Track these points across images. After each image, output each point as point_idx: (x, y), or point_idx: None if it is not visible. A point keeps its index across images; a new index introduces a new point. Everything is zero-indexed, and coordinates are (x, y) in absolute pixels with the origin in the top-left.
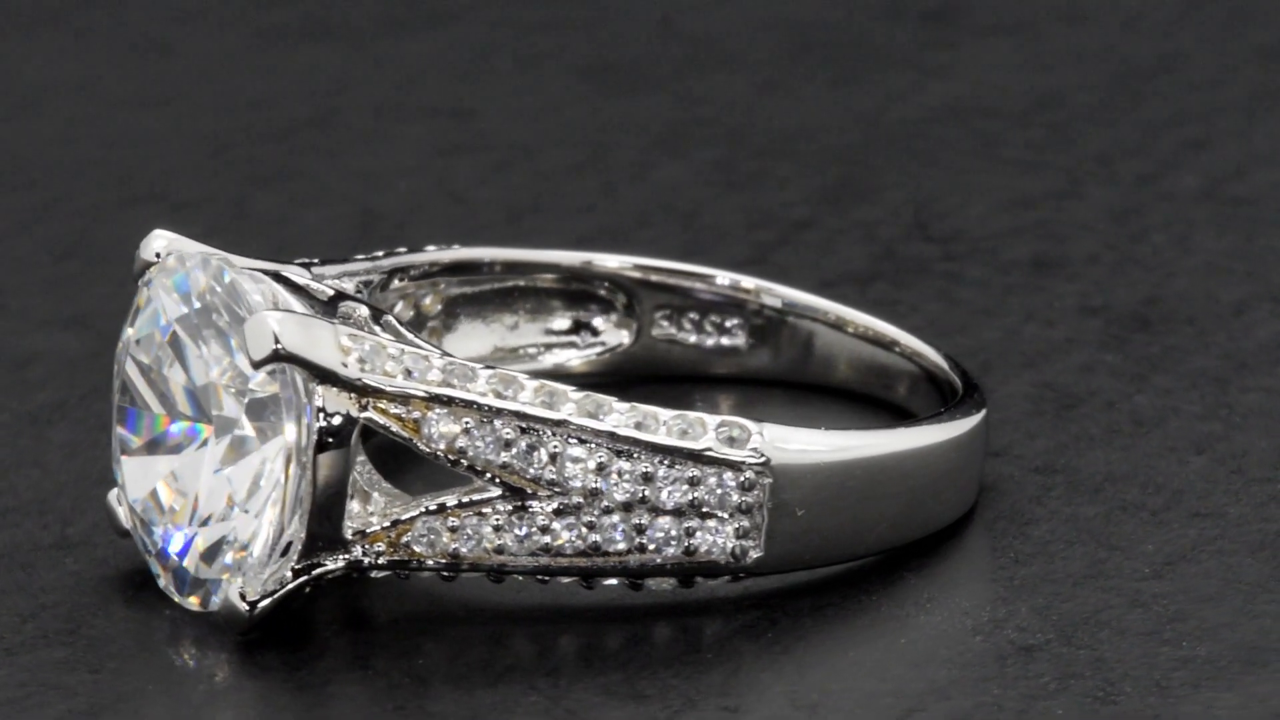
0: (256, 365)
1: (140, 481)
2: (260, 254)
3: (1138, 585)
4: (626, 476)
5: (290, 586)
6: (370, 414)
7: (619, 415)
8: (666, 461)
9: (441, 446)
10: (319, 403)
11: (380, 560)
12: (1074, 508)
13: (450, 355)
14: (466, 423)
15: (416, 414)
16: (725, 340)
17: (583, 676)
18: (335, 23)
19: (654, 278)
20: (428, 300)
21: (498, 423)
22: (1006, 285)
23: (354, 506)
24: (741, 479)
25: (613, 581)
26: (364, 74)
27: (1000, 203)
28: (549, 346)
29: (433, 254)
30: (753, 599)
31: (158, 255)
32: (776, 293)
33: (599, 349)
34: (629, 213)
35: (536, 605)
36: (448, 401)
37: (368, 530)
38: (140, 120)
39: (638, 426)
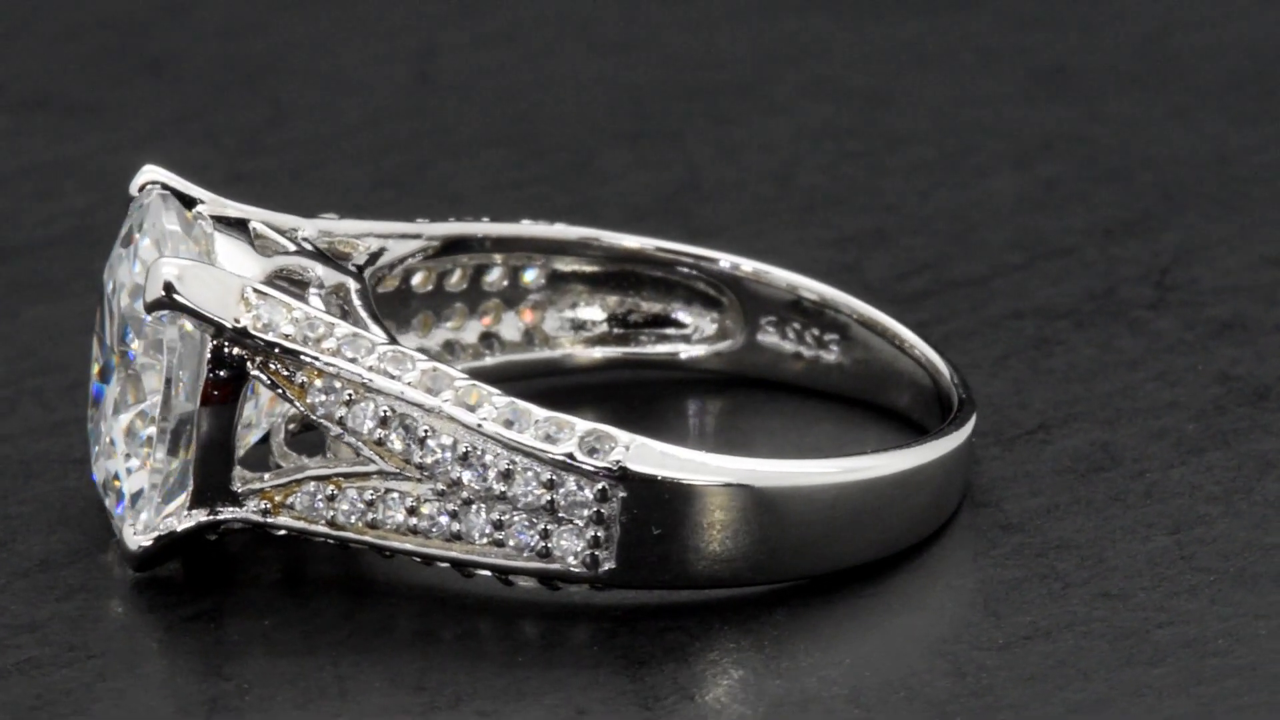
0: (148, 309)
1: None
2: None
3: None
4: (488, 470)
5: (179, 529)
6: (258, 372)
7: (492, 409)
8: (526, 462)
9: (323, 414)
10: (208, 355)
11: (269, 519)
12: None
13: (361, 330)
14: (349, 395)
15: (303, 379)
16: (823, 354)
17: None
18: None
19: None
20: (530, 275)
21: (379, 399)
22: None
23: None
24: (597, 489)
25: (486, 573)
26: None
27: None
28: (662, 337)
29: (502, 227)
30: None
31: (140, 189)
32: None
33: (709, 346)
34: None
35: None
36: (334, 372)
37: (256, 488)
38: None
39: (507, 423)
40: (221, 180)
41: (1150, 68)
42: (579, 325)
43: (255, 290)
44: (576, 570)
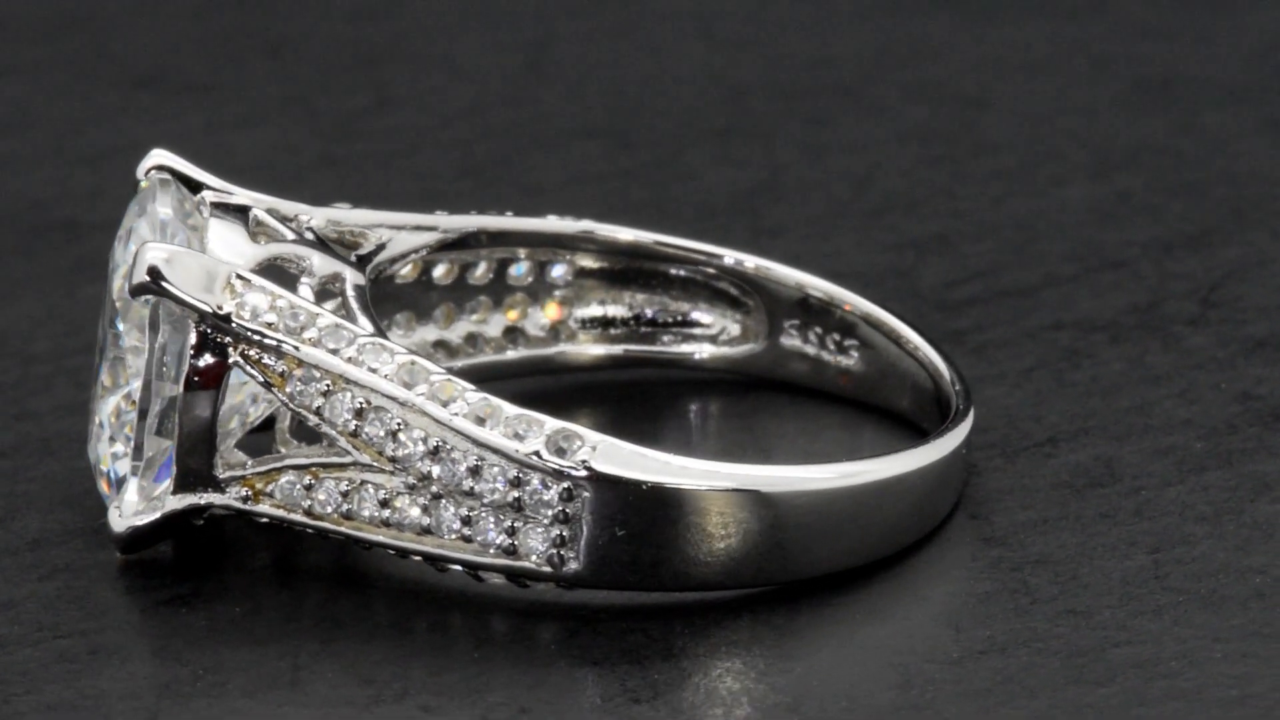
0: (133, 293)
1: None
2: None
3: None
4: (457, 466)
5: (161, 514)
6: (240, 360)
7: (464, 405)
8: (494, 458)
9: (301, 404)
10: (192, 340)
11: (250, 506)
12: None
13: (344, 322)
14: (326, 386)
15: (283, 368)
16: (842, 359)
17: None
18: None
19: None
20: (558, 270)
21: (355, 391)
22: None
23: (239, 453)
24: (561, 488)
25: (457, 568)
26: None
27: None
28: (687, 336)
29: (515, 221)
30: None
31: (147, 173)
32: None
33: (732, 347)
34: None
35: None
36: (312, 362)
37: (238, 475)
38: None
39: (478, 420)
40: (311, 164)
41: (1255, 81)
42: (606, 322)
43: (241, 278)
44: (542, 569)
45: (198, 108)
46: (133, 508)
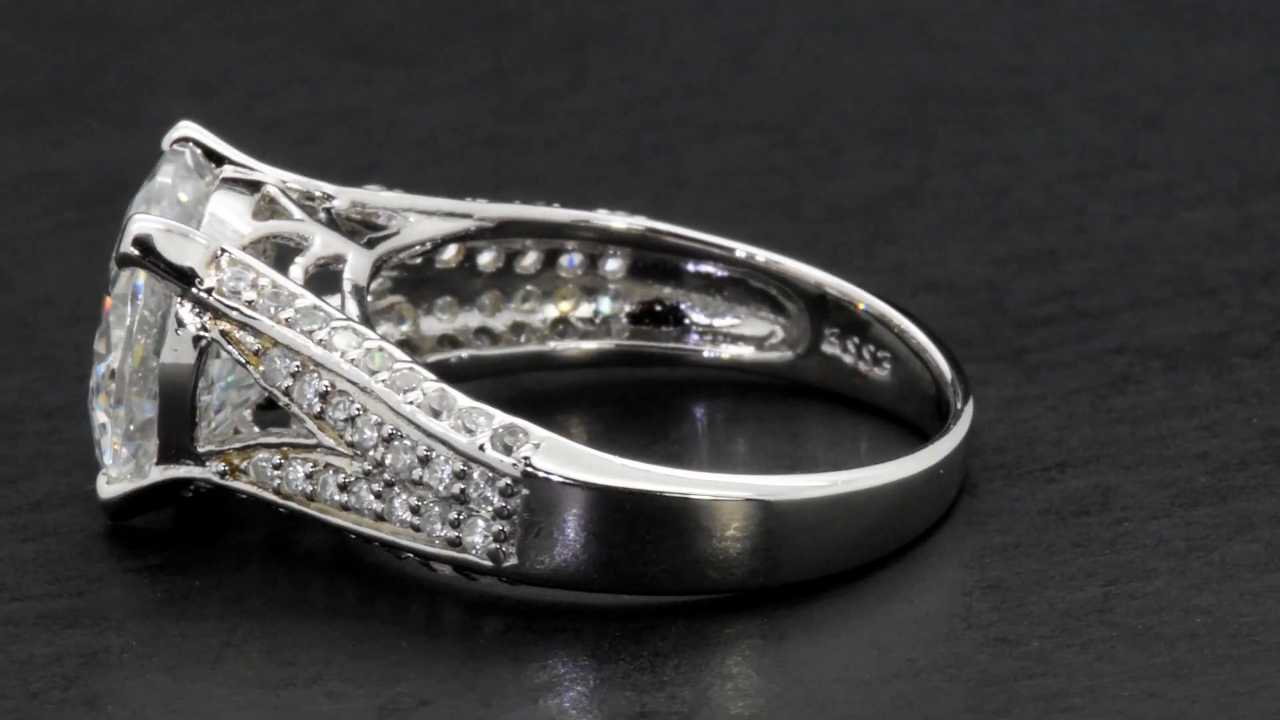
0: (118, 263)
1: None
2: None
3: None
4: (408, 455)
5: (144, 484)
6: (218, 336)
7: (419, 395)
8: (443, 450)
9: (272, 383)
10: (174, 313)
11: (227, 481)
12: None
13: (324, 304)
14: (296, 367)
15: (258, 346)
16: (876, 370)
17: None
18: None
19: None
20: (610, 264)
21: (322, 374)
22: None
23: (222, 428)
24: (502, 484)
25: (411, 556)
26: None
27: None
28: (735, 338)
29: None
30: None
31: (173, 144)
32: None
33: (775, 353)
34: None
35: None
36: (285, 342)
37: (217, 450)
38: None
39: (431, 410)
40: (476, 143)
41: None
42: (659, 319)
43: (228, 254)
44: (484, 563)
45: (395, 79)
46: (118, 476)
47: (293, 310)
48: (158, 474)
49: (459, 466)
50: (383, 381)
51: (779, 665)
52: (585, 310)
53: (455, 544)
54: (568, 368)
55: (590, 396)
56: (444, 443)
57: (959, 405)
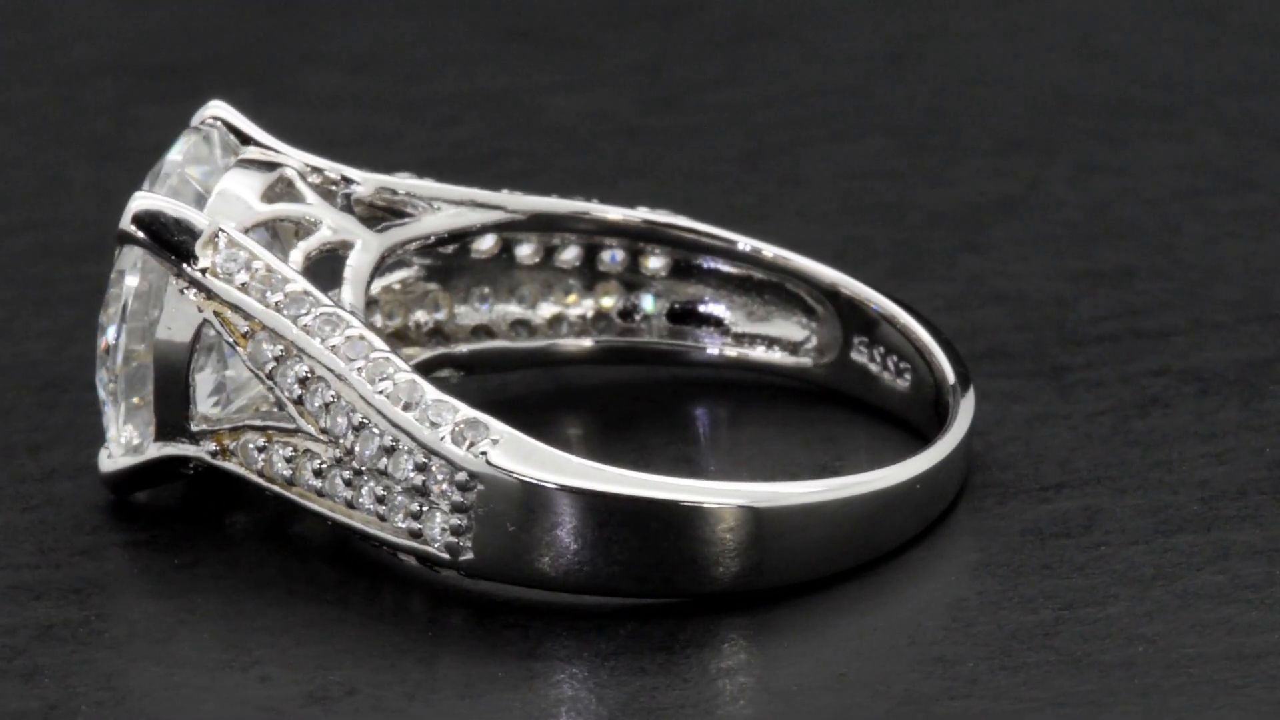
0: (117, 240)
1: None
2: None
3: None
4: (374, 444)
5: (142, 460)
6: (211, 316)
7: (390, 385)
8: (407, 441)
9: (257, 366)
10: (168, 292)
11: (217, 461)
12: None
13: (314, 290)
14: (280, 351)
15: (246, 329)
16: (899, 382)
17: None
18: None
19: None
20: (653, 262)
21: (304, 360)
22: None
23: (216, 410)
24: (459, 478)
25: (379, 545)
26: None
27: None
28: (773, 342)
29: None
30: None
31: (203, 122)
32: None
33: (808, 358)
34: None
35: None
36: (271, 326)
37: (210, 429)
38: None
39: (400, 401)
40: (606, 133)
41: None
42: (703, 320)
43: (226, 235)
44: (442, 555)
45: (553, 65)
46: (120, 450)
47: (282, 294)
48: (155, 450)
49: (420, 459)
50: (358, 370)
51: (703, 672)
52: (625, 307)
53: (417, 535)
54: (600, 363)
55: (612, 393)
56: (408, 434)
57: (952, 416)
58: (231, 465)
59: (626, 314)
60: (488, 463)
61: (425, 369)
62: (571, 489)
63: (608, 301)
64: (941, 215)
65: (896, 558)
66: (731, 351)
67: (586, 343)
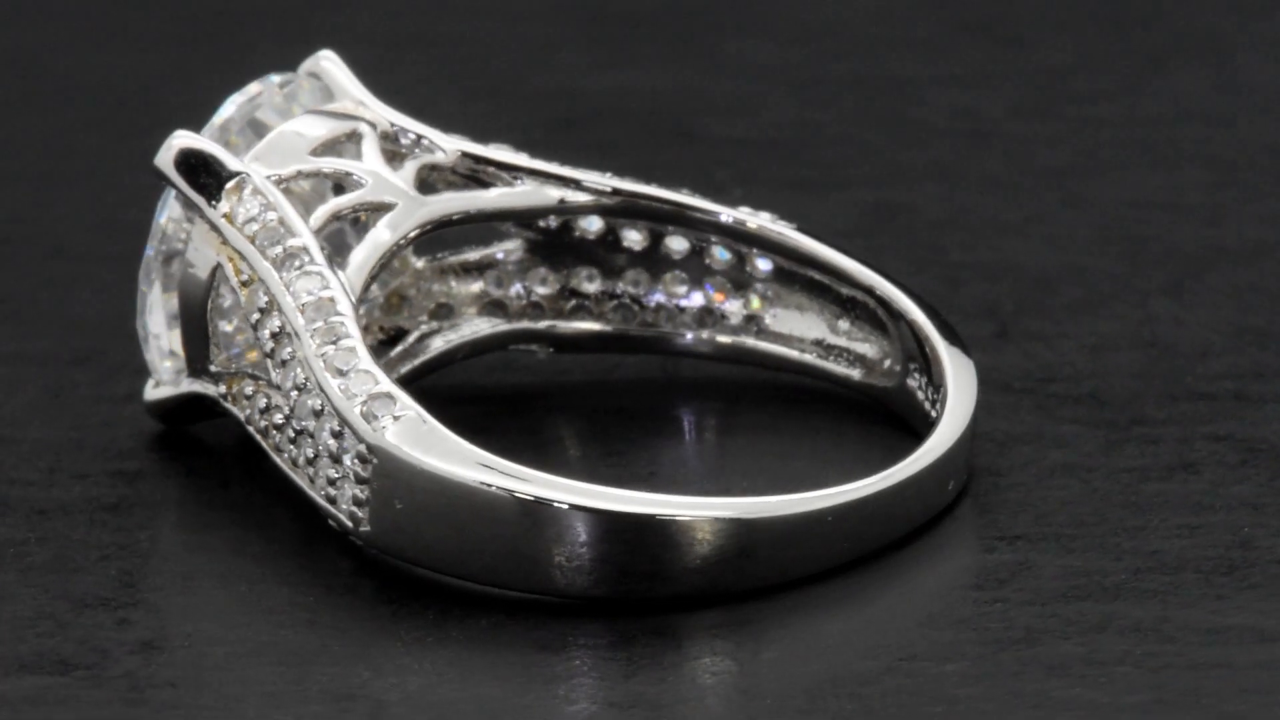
0: (155, 175)
1: None
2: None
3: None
4: (307, 405)
5: (175, 393)
6: (224, 260)
7: (331, 350)
8: (329, 407)
9: (248, 317)
10: (192, 233)
11: (227, 405)
12: None
13: (312, 245)
14: (265, 303)
15: (247, 277)
16: (932, 412)
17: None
18: None
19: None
20: (758, 263)
21: (279, 315)
22: None
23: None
24: (359, 449)
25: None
26: None
27: None
28: (854, 359)
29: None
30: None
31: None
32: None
33: (881, 379)
34: None
35: None
36: (261, 277)
37: (223, 372)
38: None
39: (333, 366)
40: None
41: None
42: (796, 328)
43: (252, 184)
44: (346, 524)
45: (642, 61)
46: (163, 381)
47: (281, 249)
48: (186, 385)
49: (335, 426)
50: (313, 330)
51: (625, 673)
52: (733, 305)
53: (333, 501)
54: (698, 358)
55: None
56: (330, 400)
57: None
58: (235, 410)
59: (727, 315)
60: (382, 440)
61: (515, 339)
62: (448, 478)
63: (718, 296)
64: (1142, 253)
65: (878, 560)
66: (809, 360)
67: (688, 337)
